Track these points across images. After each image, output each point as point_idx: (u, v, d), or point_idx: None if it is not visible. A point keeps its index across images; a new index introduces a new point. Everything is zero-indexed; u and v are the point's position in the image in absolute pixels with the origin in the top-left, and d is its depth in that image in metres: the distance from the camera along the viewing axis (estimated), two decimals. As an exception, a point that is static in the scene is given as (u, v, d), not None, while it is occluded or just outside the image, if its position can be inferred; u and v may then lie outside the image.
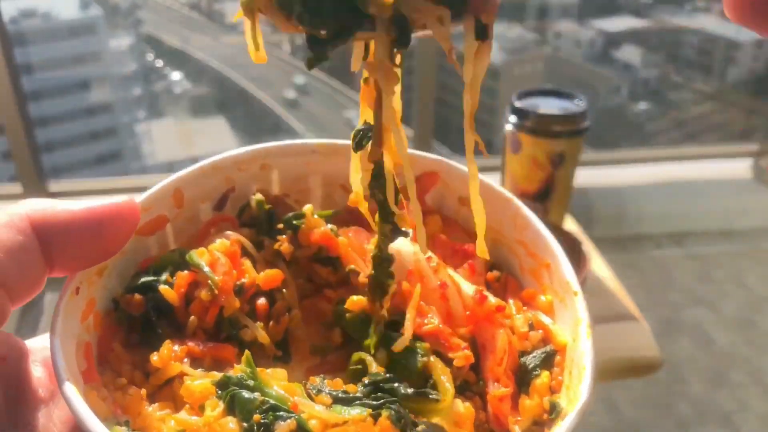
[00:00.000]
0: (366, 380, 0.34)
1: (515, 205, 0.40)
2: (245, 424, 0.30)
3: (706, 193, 2.34)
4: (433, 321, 0.36)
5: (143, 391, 0.33)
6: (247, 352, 0.33)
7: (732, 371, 1.80)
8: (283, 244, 0.39)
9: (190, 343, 0.35)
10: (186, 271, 0.36)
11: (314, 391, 0.33)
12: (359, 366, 0.35)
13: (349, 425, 0.30)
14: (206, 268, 0.36)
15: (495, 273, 0.41)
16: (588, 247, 1.02)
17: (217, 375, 0.33)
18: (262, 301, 0.37)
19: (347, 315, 0.38)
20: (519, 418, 0.34)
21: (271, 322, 0.37)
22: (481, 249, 0.34)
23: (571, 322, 0.37)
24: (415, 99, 2.07)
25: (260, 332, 0.36)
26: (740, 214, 2.32)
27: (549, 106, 1.14)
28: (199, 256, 0.37)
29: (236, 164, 0.40)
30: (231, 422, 0.30)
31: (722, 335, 1.91)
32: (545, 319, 0.38)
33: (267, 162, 0.41)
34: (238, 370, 0.33)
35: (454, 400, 0.34)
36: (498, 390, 0.34)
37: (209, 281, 0.35)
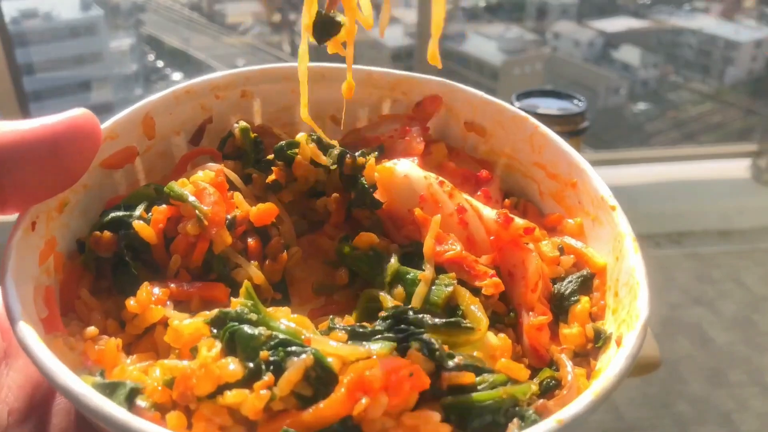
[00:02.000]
0: (384, 314, 0.28)
1: (531, 124, 0.36)
2: (250, 364, 0.25)
3: (704, 193, 2.35)
4: (455, 247, 0.31)
5: (118, 341, 0.27)
6: (246, 282, 0.28)
7: (731, 370, 1.81)
8: (277, 174, 0.34)
9: (173, 285, 0.29)
10: (164, 205, 0.31)
11: (326, 331, 0.28)
12: (372, 304, 0.31)
13: (373, 360, 0.25)
14: (192, 198, 0.30)
15: (512, 199, 0.37)
16: (587, 246, 1.02)
17: (209, 314, 0.27)
18: (254, 239, 0.32)
19: (354, 252, 0.32)
20: (562, 348, 0.31)
21: (267, 261, 0.32)
22: (433, 53, 0.29)
23: (611, 239, 0.33)
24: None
25: (255, 271, 0.31)
26: (739, 213, 2.32)
27: (548, 106, 1.14)
28: (181, 186, 0.31)
29: (213, 90, 0.35)
30: (232, 363, 0.25)
31: (721, 335, 1.92)
32: (576, 243, 0.34)
33: (248, 89, 0.36)
34: (236, 304, 0.27)
35: (487, 332, 0.29)
36: (535, 319, 0.30)
37: (197, 212, 0.30)
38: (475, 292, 0.31)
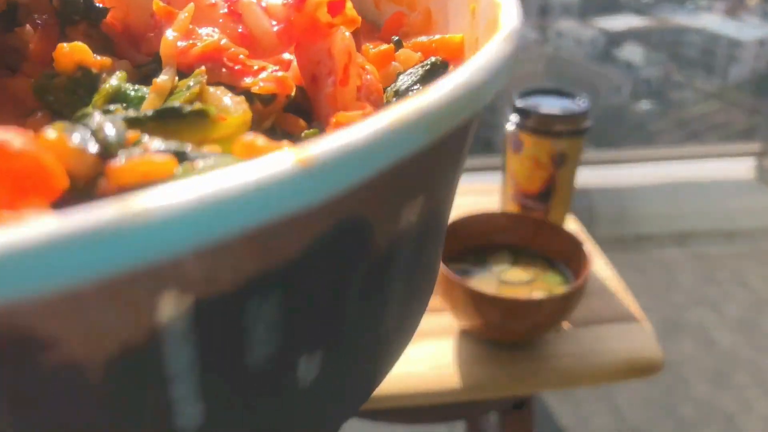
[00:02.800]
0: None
1: None
2: None
3: (708, 193, 2.33)
4: (210, 39, 0.20)
5: None
6: None
7: (735, 372, 1.79)
8: None
9: None
10: None
11: None
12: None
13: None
14: None
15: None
16: (590, 247, 1.01)
17: None
18: None
19: (55, 81, 0.20)
20: None
21: None
22: None
23: (464, 7, 0.22)
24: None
25: None
26: (743, 214, 2.31)
27: (550, 105, 1.13)
28: None
29: None
30: None
31: (725, 336, 1.90)
32: (422, 39, 0.23)
33: None
34: None
35: (250, 132, 0.17)
36: (342, 115, 0.18)
37: None
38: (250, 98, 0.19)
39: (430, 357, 0.72)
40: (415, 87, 0.21)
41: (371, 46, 0.23)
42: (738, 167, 2.40)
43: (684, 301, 2.02)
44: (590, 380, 0.87)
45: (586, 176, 1.58)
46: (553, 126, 1.18)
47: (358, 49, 0.23)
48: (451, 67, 0.22)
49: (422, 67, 0.22)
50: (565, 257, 0.96)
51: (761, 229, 2.29)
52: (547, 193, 1.23)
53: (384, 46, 0.23)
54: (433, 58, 0.22)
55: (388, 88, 0.22)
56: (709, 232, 2.27)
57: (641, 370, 1.10)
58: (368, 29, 0.26)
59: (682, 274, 2.12)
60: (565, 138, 1.17)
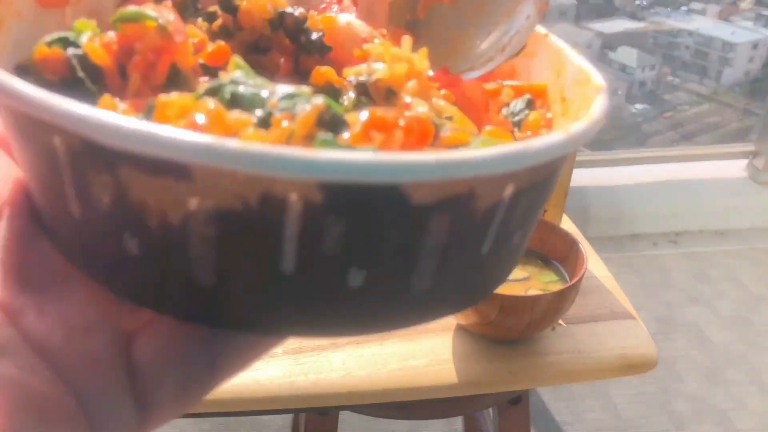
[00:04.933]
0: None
1: None
2: (259, 112, 0.21)
3: (702, 192, 2.36)
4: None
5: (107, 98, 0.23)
6: (234, 56, 0.25)
7: (728, 369, 1.82)
8: (224, 19, 0.31)
9: (136, 100, 0.25)
10: (112, 33, 0.26)
11: None
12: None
13: (383, 109, 0.23)
14: (149, 12, 0.26)
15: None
16: (585, 246, 1.03)
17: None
18: (205, 79, 0.27)
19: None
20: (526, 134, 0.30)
21: None
22: None
23: (549, 58, 0.32)
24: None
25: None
26: (736, 213, 2.34)
27: (546, 107, 1.15)
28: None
29: None
30: (238, 114, 0.21)
31: (718, 333, 1.93)
32: (510, 83, 0.33)
33: None
34: (227, 76, 0.24)
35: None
36: (497, 128, 0.28)
37: (159, 22, 0.26)
38: None
39: (427, 353, 0.74)
40: (525, 111, 0.32)
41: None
42: (731, 167, 2.43)
43: (678, 299, 2.05)
44: (585, 376, 0.89)
45: (581, 176, 1.60)
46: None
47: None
48: (538, 102, 0.33)
49: (522, 100, 0.33)
50: (561, 256, 0.98)
51: (753, 228, 2.32)
52: (543, 193, 1.25)
53: (493, 85, 0.34)
54: (527, 95, 0.33)
55: (504, 110, 0.33)
56: (702, 231, 2.30)
57: (636, 366, 1.12)
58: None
59: (676, 273, 2.15)
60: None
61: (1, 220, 0.24)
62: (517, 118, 0.31)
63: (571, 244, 1.04)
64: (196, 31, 0.30)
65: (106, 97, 0.24)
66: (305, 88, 0.24)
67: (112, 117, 0.17)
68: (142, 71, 0.26)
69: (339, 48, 0.32)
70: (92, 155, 0.19)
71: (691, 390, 1.73)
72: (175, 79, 0.27)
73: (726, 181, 2.39)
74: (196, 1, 0.33)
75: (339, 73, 0.30)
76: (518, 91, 0.33)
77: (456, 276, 0.21)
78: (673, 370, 1.78)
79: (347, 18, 0.32)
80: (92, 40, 0.27)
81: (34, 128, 0.20)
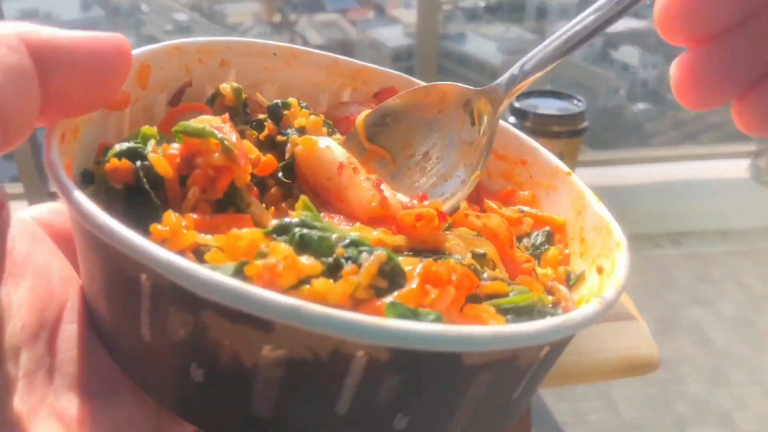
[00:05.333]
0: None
1: None
2: (328, 259, 0.24)
3: (704, 192, 2.35)
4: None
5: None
6: (303, 197, 0.28)
7: (731, 370, 1.81)
8: (270, 130, 0.35)
9: (195, 216, 0.27)
10: (175, 144, 0.29)
11: None
12: None
13: (437, 262, 0.26)
14: (215, 131, 0.29)
15: None
16: (587, 246, 1.02)
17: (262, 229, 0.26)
18: (253, 188, 0.31)
19: None
20: (552, 279, 0.33)
21: (265, 208, 0.31)
22: None
23: (569, 199, 0.36)
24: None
25: (266, 213, 0.30)
26: (738, 213, 2.33)
27: (548, 106, 1.14)
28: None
29: (198, 52, 0.36)
30: (307, 260, 0.24)
31: (721, 334, 1.92)
32: (531, 210, 0.37)
33: (227, 58, 0.37)
34: (297, 215, 0.27)
35: None
36: (523, 266, 0.32)
37: (225, 143, 0.28)
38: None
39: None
40: (545, 245, 0.36)
41: (494, 204, 0.37)
42: (733, 167, 2.42)
43: (680, 300, 2.04)
44: (588, 378, 0.89)
45: (584, 176, 1.58)
46: (551, 127, 1.20)
47: (480, 201, 0.38)
48: (557, 236, 0.36)
49: (543, 233, 0.37)
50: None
51: (756, 228, 2.31)
52: (545, 193, 1.24)
53: (518, 214, 0.37)
54: (547, 228, 0.37)
55: (525, 240, 0.36)
56: (705, 231, 2.29)
57: (638, 368, 1.11)
58: (482, 189, 0.40)
59: (678, 273, 2.14)
60: (563, 138, 1.19)
61: (63, 324, 0.26)
62: (537, 252, 0.35)
63: (573, 244, 1.03)
64: (252, 148, 0.32)
65: (169, 215, 0.26)
66: (371, 234, 0.27)
67: (206, 272, 0.20)
68: (202, 185, 0.29)
69: (316, 170, 0.33)
70: (179, 297, 0.21)
71: (694, 391, 1.72)
72: (231, 194, 0.29)
73: (728, 181, 2.38)
74: (246, 107, 0.37)
75: (318, 195, 0.32)
76: (538, 221, 0.37)
77: (486, 419, 0.25)
78: (676, 371, 1.77)
79: (327, 142, 0.34)
80: (156, 150, 0.29)
81: (120, 259, 0.22)
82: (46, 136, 0.27)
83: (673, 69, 0.26)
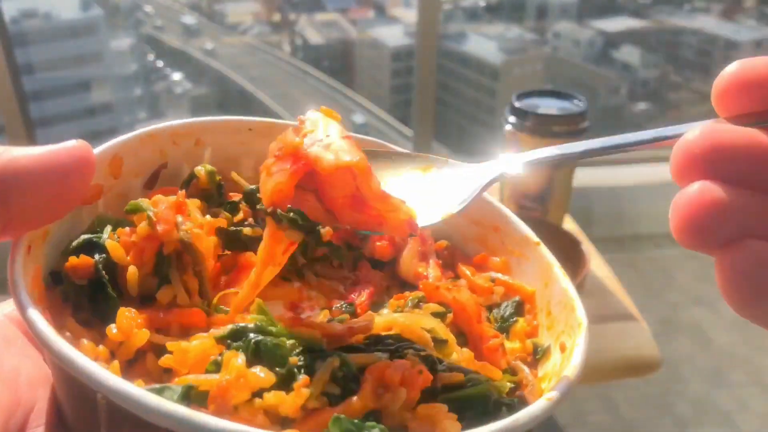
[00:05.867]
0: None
1: None
2: (281, 370, 0.26)
3: (705, 193, 2.34)
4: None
5: (116, 363, 0.27)
6: (258, 300, 0.30)
7: (731, 371, 1.81)
8: (245, 214, 0.36)
9: (146, 314, 0.29)
10: (128, 228, 0.31)
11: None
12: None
13: (388, 361, 0.28)
14: (147, 206, 0.31)
15: (442, 242, 0.41)
16: (587, 246, 1.02)
17: (214, 332, 0.28)
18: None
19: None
20: (516, 357, 0.35)
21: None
22: None
23: (538, 269, 0.38)
24: (415, 99, 2.07)
25: (200, 290, 0.31)
26: (739, 214, 2.32)
27: (548, 106, 1.14)
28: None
29: (172, 136, 0.37)
30: (261, 371, 0.26)
31: (721, 335, 1.92)
32: (503, 277, 0.39)
33: (202, 138, 0.38)
34: (252, 320, 0.29)
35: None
36: (491, 342, 0.34)
37: (147, 214, 0.31)
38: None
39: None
40: (513, 319, 0.37)
41: (467, 270, 0.40)
42: (734, 168, 2.41)
43: (680, 300, 2.04)
44: (587, 379, 0.88)
45: (584, 176, 1.59)
46: (551, 126, 1.19)
47: (454, 266, 0.41)
48: (527, 306, 0.38)
49: (512, 303, 0.38)
50: (564, 257, 0.97)
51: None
52: (545, 193, 1.24)
53: (489, 284, 0.39)
54: (517, 298, 0.39)
55: (495, 311, 0.38)
56: (706, 232, 2.28)
57: (639, 369, 1.11)
58: (458, 253, 0.42)
59: (679, 273, 2.14)
60: (563, 138, 1.19)
61: (29, 431, 0.28)
62: (506, 324, 0.37)
63: (574, 244, 1.03)
64: (192, 210, 0.33)
65: (121, 314, 0.29)
66: (323, 340, 0.28)
67: (153, 399, 0.22)
68: (137, 261, 0.31)
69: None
70: (132, 418, 0.23)
71: (694, 392, 1.72)
72: (160, 264, 0.31)
73: (729, 181, 2.37)
74: (221, 188, 0.38)
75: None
76: (509, 289, 0.39)
77: None
78: (676, 372, 1.77)
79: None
80: (112, 236, 0.32)
81: (78, 381, 0.24)
82: (11, 250, 0.28)
83: (675, 212, 0.25)
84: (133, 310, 0.29)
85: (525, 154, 0.32)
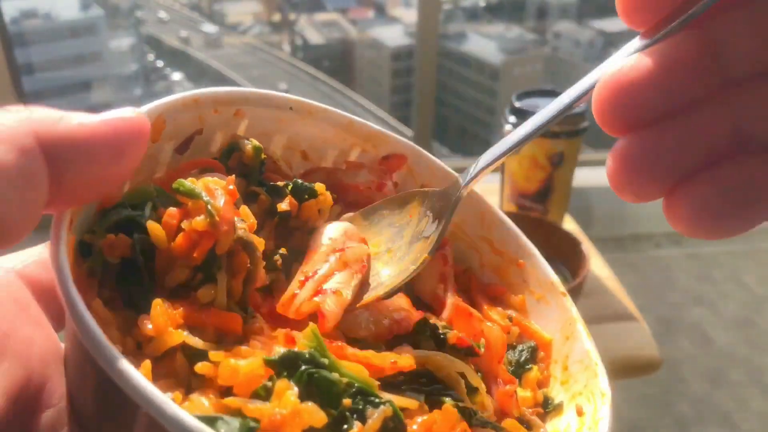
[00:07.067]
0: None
1: (485, 204, 0.40)
2: (334, 411, 0.25)
3: (705, 193, 2.34)
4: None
5: (148, 366, 0.25)
6: (312, 325, 0.28)
7: (731, 371, 1.81)
8: (292, 207, 0.35)
9: (182, 308, 0.27)
10: (174, 208, 0.29)
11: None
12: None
13: (435, 414, 0.28)
14: (205, 196, 0.29)
15: (461, 266, 0.40)
16: (587, 246, 1.02)
17: (247, 350, 0.26)
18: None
19: None
20: (532, 410, 0.34)
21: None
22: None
23: (560, 320, 0.37)
24: (415, 99, 2.07)
25: (232, 284, 0.29)
26: (739, 213, 2.32)
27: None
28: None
29: (215, 103, 0.35)
30: (315, 410, 0.25)
31: (721, 335, 1.92)
32: (521, 318, 0.38)
33: (243, 109, 0.37)
34: (305, 346, 0.27)
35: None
36: (505, 388, 0.33)
37: (208, 207, 0.28)
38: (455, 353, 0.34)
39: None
40: (528, 366, 0.36)
41: (498, 313, 0.38)
42: (734, 167, 2.41)
43: (681, 300, 2.04)
44: (588, 378, 0.88)
45: (584, 176, 1.59)
46: (551, 126, 1.19)
47: (470, 290, 0.40)
48: (540, 353, 0.37)
49: (528, 348, 0.37)
50: (563, 256, 0.97)
51: (757, 228, 2.30)
52: (545, 193, 1.24)
53: (506, 321, 0.37)
54: (532, 343, 0.37)
55: (510, 353, 0.36)
56: (706, 231, 2.28)
57: (639, 369, 1.11)
58: (473, 278, 0.40)
59: (679, 273, 2.14)
60: (563, 138, 1.19)
61: (43, 411, 0.26)
62: (521, 370, 0.36)
63: (574, 244, 1.04)
64: (248, 214, 0.31)
65: (156, 307, 0.27)
66: (375, 383, 0.27)
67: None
68: (183, 252, 0.28)
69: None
70: None
71: (695, 392, 1.72)
72: (210, 262, 0.29)
73: (730, 180, 2.37)
74: (263, 165, 0.36)
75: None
76: (525, 332, 0.37)
77: None
78: (676, 372, 1.77)
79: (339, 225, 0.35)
80: (152, 216, 0.29)
81: (119, 392, 0.23)
82: (54, 226, 0.26)
83: (608, 159, 0.25)
84: (166, 302, 0.27)
85: (479, 162, 0.33)
